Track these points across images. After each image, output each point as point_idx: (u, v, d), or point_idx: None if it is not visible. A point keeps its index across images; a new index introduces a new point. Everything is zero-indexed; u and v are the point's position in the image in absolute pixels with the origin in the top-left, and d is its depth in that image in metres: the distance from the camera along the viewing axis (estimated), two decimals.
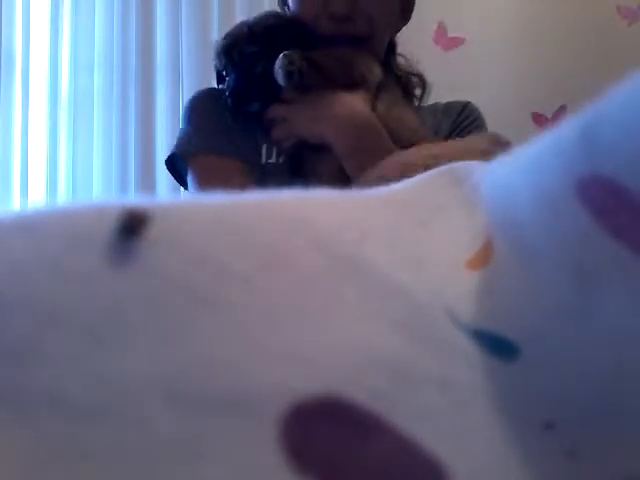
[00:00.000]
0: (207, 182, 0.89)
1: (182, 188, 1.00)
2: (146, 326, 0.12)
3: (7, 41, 1.73)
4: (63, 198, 1.82)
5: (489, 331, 0.16)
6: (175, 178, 0.97)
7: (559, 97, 2.07)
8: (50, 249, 0.12)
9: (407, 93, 0.99)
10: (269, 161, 0.88)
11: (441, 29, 2.15)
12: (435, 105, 1.01)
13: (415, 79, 1.01)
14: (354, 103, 0.82)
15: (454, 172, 0.29)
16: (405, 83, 1.00)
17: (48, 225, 0.12)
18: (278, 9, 0.99)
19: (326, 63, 0.83)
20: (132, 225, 0.12)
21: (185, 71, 1.96)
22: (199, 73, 1.95)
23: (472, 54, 2.10)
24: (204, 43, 1.95)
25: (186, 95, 1.94)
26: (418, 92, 1.01)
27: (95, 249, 0.12)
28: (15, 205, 1.73)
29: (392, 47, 1.02)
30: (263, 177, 0.88)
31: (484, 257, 0.21)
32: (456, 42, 2.14)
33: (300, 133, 0.85)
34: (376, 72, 0.87)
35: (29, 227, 0.12)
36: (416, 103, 1.01)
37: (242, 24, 0.90)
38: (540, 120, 2.10)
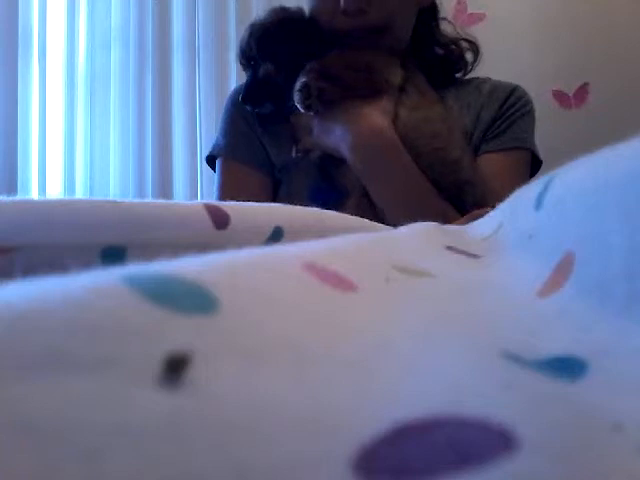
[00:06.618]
0: (225, 185, 0.94)
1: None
2: None
3: (24, 19, 1.72)
4: (80, 175, 1.83)
5: (560, 355, 0.16)
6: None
7: (581, 75, 2.03)
8: None
9: (453, 63, 0.96)
10: (299, 155, 0.90)
11: (461, 5, 2.11)
12: (483, 82, 0.96)
13: (465, 44, 0.97)
14: (373, 117, 0.80)
15: None
16: (451, 51, 0.96)
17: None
18: None
19: (345, 75, 0.81)
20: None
21: (201, 48, 1.95)
22: (215, 50, 1.94)
23: (492, 30, 2.06)
24: (220, 20, 1.93)
25: (202, 72, 1.93)
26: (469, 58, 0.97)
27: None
28: (33, 180, 1.74)
29: (433, 14, 0.96)
30: (294, 169, 0.91)
31: (553, 283, 0.21)
32: (476, 18, 2.10)
33: (322, 146, 0.85)
34: (397, 74, 0.84)
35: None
36: (467, 69, 0.97)
37: (250, 25, 0.89)
38: (561, 97, 2.07)
